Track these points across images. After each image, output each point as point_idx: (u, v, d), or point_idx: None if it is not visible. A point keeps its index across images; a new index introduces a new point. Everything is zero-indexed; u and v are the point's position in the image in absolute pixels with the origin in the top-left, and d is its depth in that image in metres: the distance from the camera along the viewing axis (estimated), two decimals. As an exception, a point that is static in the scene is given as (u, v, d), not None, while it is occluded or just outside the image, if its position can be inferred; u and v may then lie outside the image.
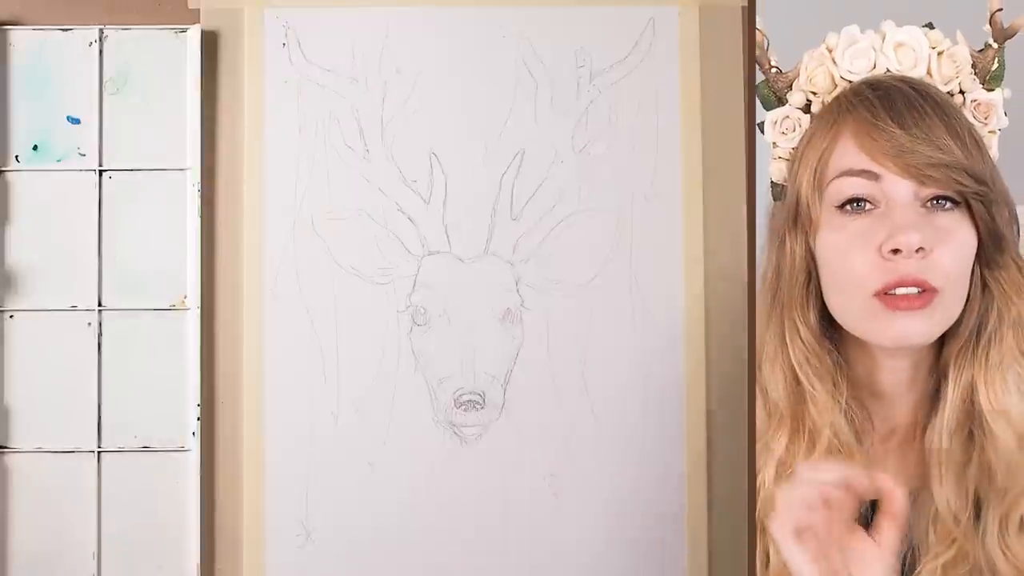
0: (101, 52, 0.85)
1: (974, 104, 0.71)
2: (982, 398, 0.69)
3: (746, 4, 0.84)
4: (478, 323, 0.84)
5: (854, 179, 0.68)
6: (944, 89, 0.71)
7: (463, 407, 0.83)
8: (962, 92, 0.72)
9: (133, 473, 0.83)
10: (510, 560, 0.83)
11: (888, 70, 0.71)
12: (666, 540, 0.83)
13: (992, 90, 0.72)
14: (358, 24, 0.85)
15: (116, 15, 0.85)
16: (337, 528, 0.83)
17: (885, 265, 0.66)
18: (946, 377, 0.70)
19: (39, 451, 0.83)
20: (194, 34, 0.84)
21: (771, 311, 0.71)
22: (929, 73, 0.71)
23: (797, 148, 0.72)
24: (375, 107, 0.85)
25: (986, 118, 0.71)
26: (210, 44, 0.85)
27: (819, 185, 0.69)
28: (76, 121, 0.85)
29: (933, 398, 0.71)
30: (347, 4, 0.85)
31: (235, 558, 0.83)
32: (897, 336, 0.67)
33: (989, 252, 0.69)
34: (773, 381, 0.70)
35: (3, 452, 0.83)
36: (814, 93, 0.73)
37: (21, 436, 0.83)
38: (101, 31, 0.85)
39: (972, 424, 0.69)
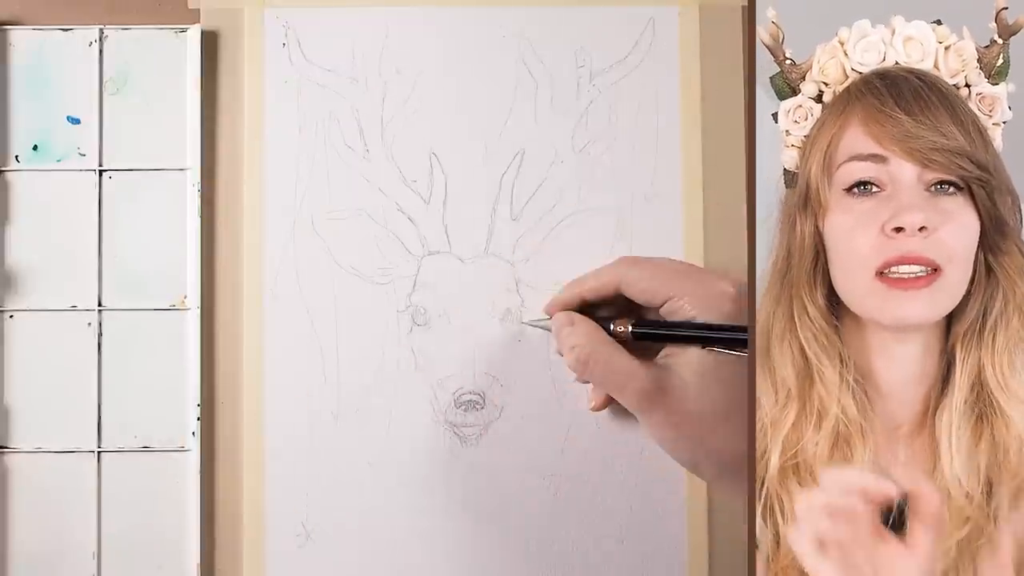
0: (101, 52, 0.85)
1: (979, 97, 0.74)
2: (991, 379, 0.70)
3: (746, 4, 0.84)
4: (478, 323, 0.84)
5: (863, 163, 0.70)
6: (951, 82, 0.73)
7: (463, 407, 0.83)
8: (968, 85, 0.74)
9: (133, 473, 0.83)
10: (510, 560, 0.83)
11: (897, 63, 0.74)
12: (666, 540, 0.83)
13: (997, 84, 0.74)
14: (358, 24, 0.86)
15: (116, 15, 0.85)
16: (337, 528, 0.83)
17: (888, 243, 0.68)
18: (954, 360, 0.72)
19: (39, 451, 0.83)
20: (194, 34, 0.84)
21: (780, 292, 0.73)
22: (936, 66, 0.74)
23: (809, 135, 0.75)
24: (375, 107, 0.85)
25: (991, 111, 0.74)
26: (210, 44, 0.85)
27: (828, 169, 0.72)
28: (76, 121, 0.85)
29: (943, 384, 0.72)
30: (347, 4, 0.86)
31: (235, 558, 0.83)
32: (898, 315, 0.69)
33: (992, 237, 0.71)
34: (781, 359, 0.72)
35: (3, 452, 0.83)
36: (826, 84, 0.75)
37: (21, 436, 0.83)
38: (101, 31, 0.85)
39: (981, 404, 0.71)
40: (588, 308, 0.81)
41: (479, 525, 0.83)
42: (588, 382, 0.81)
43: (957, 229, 0.69)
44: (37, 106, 0.85)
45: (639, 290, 0.77)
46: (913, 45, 0.73)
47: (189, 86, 0.84)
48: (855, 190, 0.70)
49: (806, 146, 0.74)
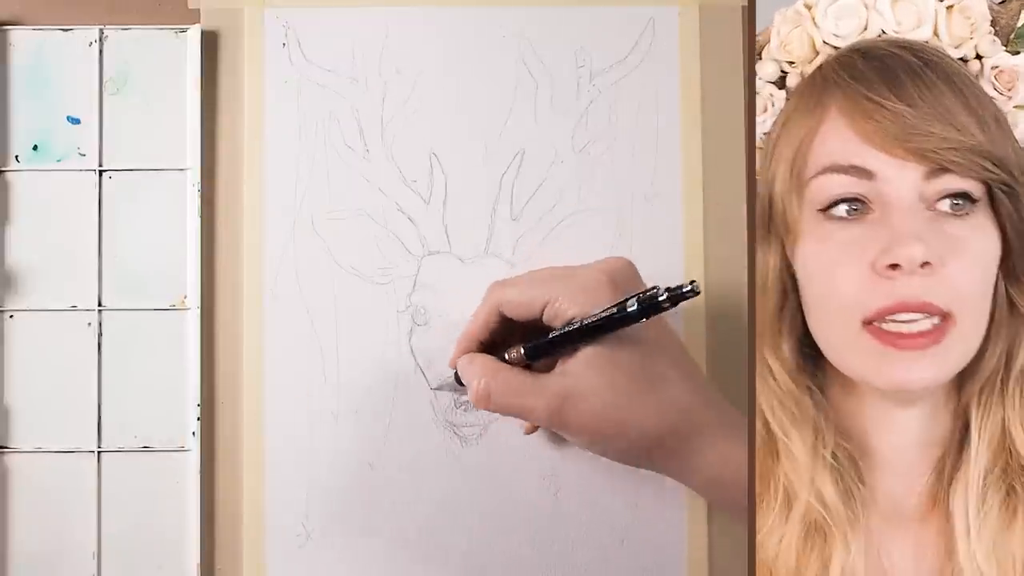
0: (101, 52, 0.85)
1: (995, 71, 0.58)
2: (1020, 443, 0.55)
3: (746, 4, 0.84)
4: (478, 323, 0.84)
5: (840, 176, 0.55)
6: (956, 54, 0.58)
7: (463, 407, 0.83)
8: (979, 57, 0.58)
9: (133, 473, 0.83)
10: (510, 560, 0.83)
11: (883, 32, 0.58)
12: (666, 540, 0.83)
13: (1018, 52, 0.58)
14: (358, 24, 0.86)
15: (116, 15, 0.85)
16: (337, 528, 0.83)
17: (880, 285, 0.54)
18: (970, 421, 0.56)
19: (39, 451, 0.83)
20: (194, 34, 0.84)
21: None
22: (936, 34, 0.58)
23: (770, 133, 0.60)
24: (375, 107, 0.85)
25: (1010, 89, 0.57)
26: (210, 44, 0.85)
27: (797, 183, 0.57)
28: (76, 121, 0.85)
29: (958, 451, 0.57)
30: (347, 4, 0.86)
31: (235, 558, 0.83)
32: (896, 380, 0.54)
33: (1018, 263, 0.55)
34: None
35: (3, 452, 0.83)
36: (790, 63, 0.60)
37: (21, 436, 0.83)
38: (101, 31, 0.85)
39: (1011, 476, 0.56)
40: (490, 347, 0.77)
41: (479, 525, 0.83)
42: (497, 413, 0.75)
43: (971, 262, 0.54)
44: (37, 106, 0.85)
45: (515, 307, 0.73)
46: (904, 7, 0.57)
47: (189, 86, 0.84)
48: (834, 211, 0.56)
49: (767, 147, 0.60)
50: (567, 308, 0.70)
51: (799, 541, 0.57)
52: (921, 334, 0.53)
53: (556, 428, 0.72)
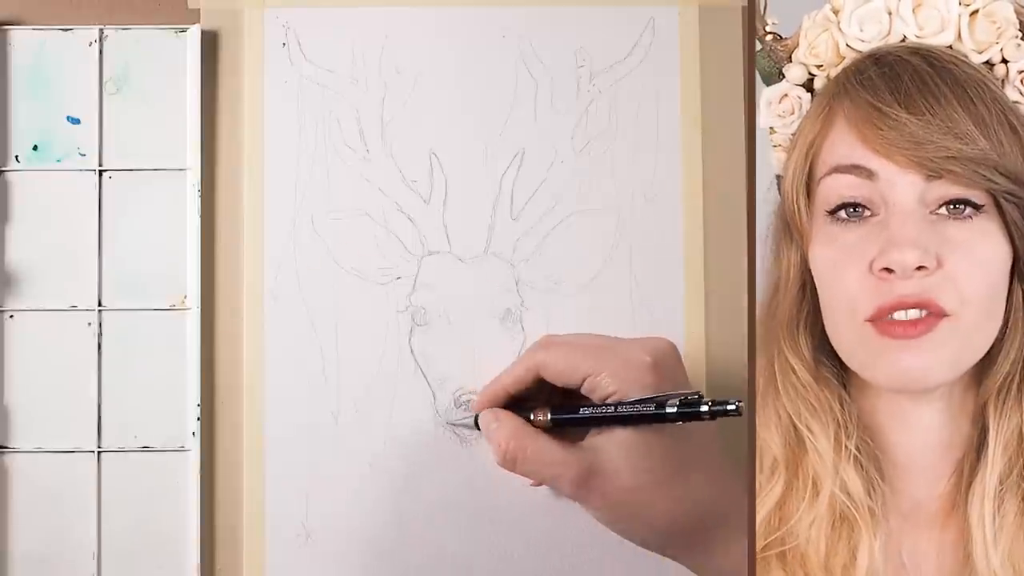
0: (101, 52, 0.85)
1: (1021, 76, 0.57)
2: None
3: (746, 4, 0.84)
4: (478, 323, 0.84)
5: (844, 176, 0.56)
6: (980, 59, 0.57)
7: (463, 407, 0.83)
8: (1005, 62, 0.57)
9: (133, 473, 0.83)
10: (510, 560, 0.83)
11: (906, 37, 0.58)
12: (666, 540, 0.83)
13: None
14: (358, 24, 0.86)
15: (116, 15, 0.85)
16: (337, 528, 0.83)
17: (879, 285, 0.54)
18: (986, 424, 0.57)
19: (39, 451, 0.83)
20: (194, 34, 0.84)
21: (766, 338, 0.61)
22: (959, 38, 0.57)
23: (795, 135, 0.60)
24: (375, 107, 0.85)
25: None
26: (210, 44, 0.85)
27: (807, 185, 0.58)
28: (76, 121, 0.85)
29: (977, 454, 0.58)
30: (347, 4, 0.86)
31: (235, 558, 0.83)
32: (893, 373, 0.55)
33: None
34: (764, 420, 0.60)
35: (3, 452, 0.83)
36: (818, 66, 0.61)
37: (21, 436, 0.83)
38: (101, 31, 0.85)
39: None
40: (515, 400, 0.77)
41: (479, 525, 0.83)
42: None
43: (974, 264, 0.54)
44: (37, 106, 0.85)
45: (556, 373, 0.72)
46: (927, 12, 0.57)
47: (189, 86, 0.84)
48: (841, 214, 0.57)
49: (790, 149, 0.61)
50: (608, 385, 0.69)
51: (828, 529, 0.58)
52: (913, 322, 0.54)
53: (580, 501, 0.72)
